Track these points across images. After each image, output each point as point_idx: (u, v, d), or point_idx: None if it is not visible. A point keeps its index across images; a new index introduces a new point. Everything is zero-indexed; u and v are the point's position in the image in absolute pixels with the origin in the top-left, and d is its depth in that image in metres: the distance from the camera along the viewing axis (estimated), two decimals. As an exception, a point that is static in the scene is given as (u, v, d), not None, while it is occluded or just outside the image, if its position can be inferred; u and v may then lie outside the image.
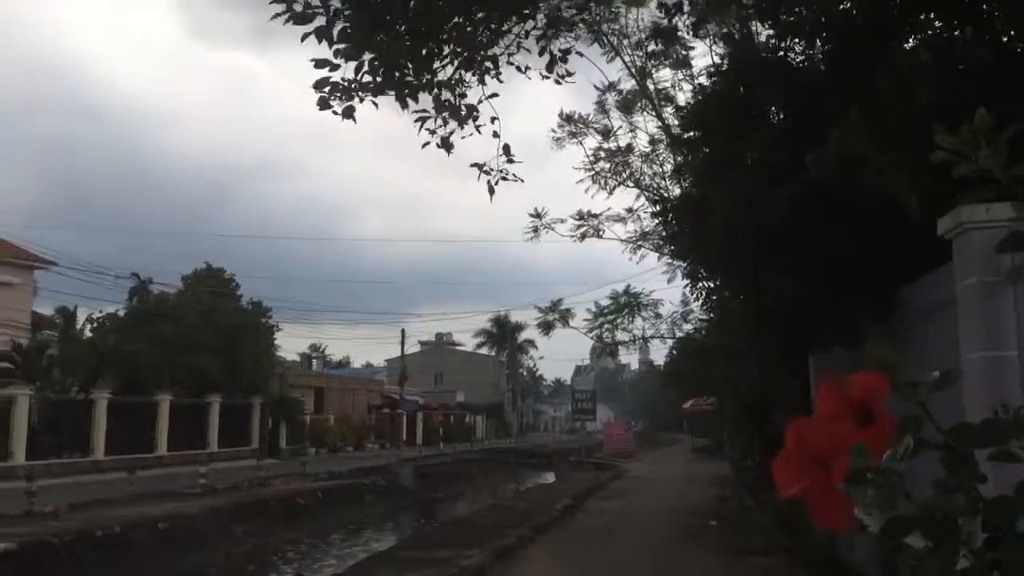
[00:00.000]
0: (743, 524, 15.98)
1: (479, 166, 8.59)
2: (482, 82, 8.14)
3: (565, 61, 8.99)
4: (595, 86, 20.98)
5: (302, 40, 6.86)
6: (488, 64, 8.09)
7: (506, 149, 8.43)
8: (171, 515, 18.43)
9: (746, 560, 12.12)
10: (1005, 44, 7.38)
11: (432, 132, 8.13)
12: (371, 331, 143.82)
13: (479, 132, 8.23)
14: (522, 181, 8.66)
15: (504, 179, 8.55)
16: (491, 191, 8.48)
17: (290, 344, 66.04)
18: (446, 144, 8.23)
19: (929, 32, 8.06)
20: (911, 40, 7.94)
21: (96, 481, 23.83)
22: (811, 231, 7.53)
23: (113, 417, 29.20)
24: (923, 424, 1.02)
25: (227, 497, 22.08)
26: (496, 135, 8.18)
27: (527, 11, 8.12)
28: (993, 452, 1.06)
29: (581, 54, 10.04)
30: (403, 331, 62.05)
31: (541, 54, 8.74)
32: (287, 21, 6.78)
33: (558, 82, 8.81)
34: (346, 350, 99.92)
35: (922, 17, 7.85)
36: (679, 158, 17.13)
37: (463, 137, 8.31)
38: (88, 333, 36.14)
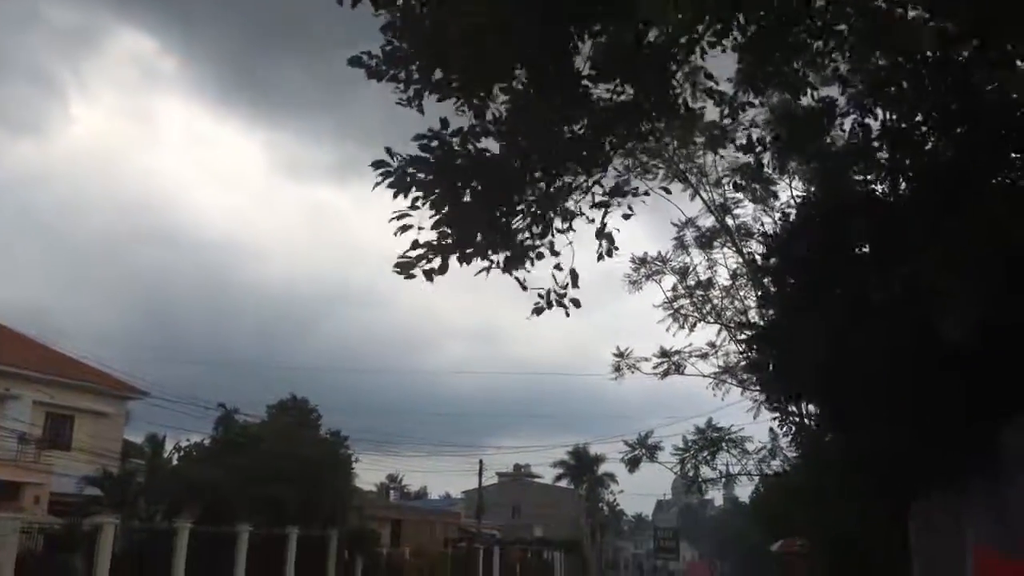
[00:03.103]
0: None
1: (544, 296, 8.46)
2: (553, 232, 8.27)
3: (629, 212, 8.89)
4: (673, 223, 21.28)
5: (395, 197, 7.36)
6: (560, 216, 8.26)
7: (574, 278, 8.32)
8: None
9: None
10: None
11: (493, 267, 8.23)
12: (449, 462, 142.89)
13: (558, 268, 8.26)
14: (567, 313, 8.53)
15: (560, 305, 8.45)
16: (538, 312, 8.41)
17: (368, 475, 65.90)
18: (523, 286, 8.30)
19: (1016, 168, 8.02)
20: (998, 180, 7.90)
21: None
22: (904, 372, 7.33)
23: (193, 547, 29.31)
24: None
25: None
26: (559, 268, 8.22)
27: (604, 161, 8.36)
28: None
29: (645, 193, 9.95)
30: (480, 462, 61.57)
31: (611, 195, 8.64)
32: (386, 187, 7.32)
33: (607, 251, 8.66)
34: (423, 480, 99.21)
35: (1012, 156, 7.82)
36: (762, 291, 17.04)
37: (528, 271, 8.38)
38: (175, 462, 36.84)
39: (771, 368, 12.38)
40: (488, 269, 8.16)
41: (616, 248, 8.43)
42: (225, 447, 35.52)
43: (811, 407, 15.23)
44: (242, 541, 31.82)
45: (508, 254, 8.22)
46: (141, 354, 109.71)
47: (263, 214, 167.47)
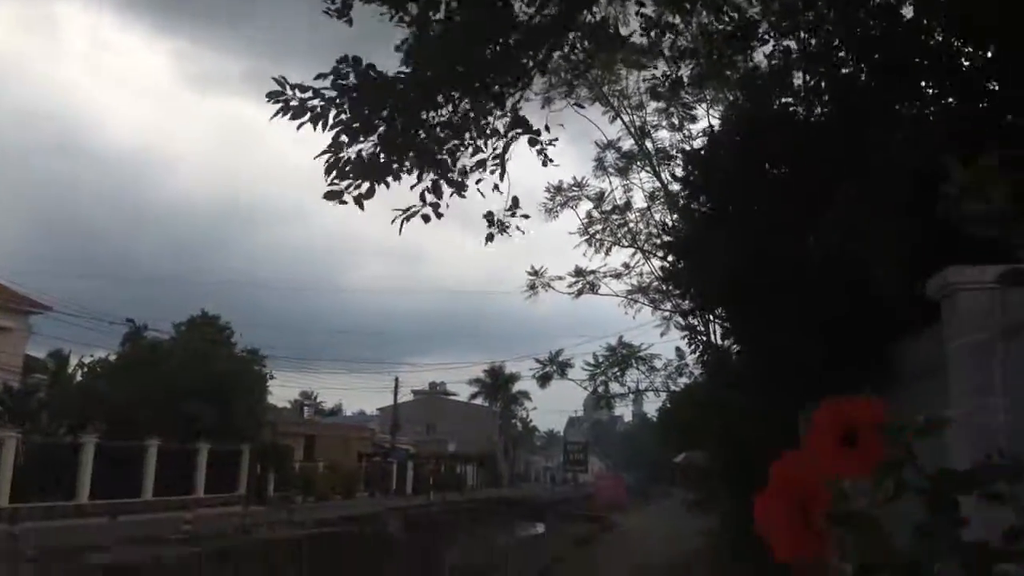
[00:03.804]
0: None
1: (490, 218, 8.64)
2: (480, 149, 8.25)
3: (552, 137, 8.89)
4: (596, 143, 21.35)
5: (298, 129, 7.22)
6: (484, 132, 8.23)
7: (515, 202, 8.49)
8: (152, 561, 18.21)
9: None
10: (997, 108, 7.55)
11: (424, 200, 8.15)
12: (365, 379, 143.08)
13: (480, 193, 8.28)
14: (523, 232, 8.75)
15: (504, 231, 8.62)
16: (490, 238, 8.58)
17: (283, 391, 65.66)
18: (437, 213, 8.21)
19: (925, 98, 8.26)
20: (906, 105, 8.13)
21: (79, 525, 23.55)
22: (810, 291, 7.61)
23: (100, 462, 28.93)
24: (906, 467, 1.06)
25: (210, 544, 21.76)
26: (497, 188, 8.26)
27: (525, 80, 8.31)
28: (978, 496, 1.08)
29: (573, 106, 10.01)
30: (396, 379, 61.90)
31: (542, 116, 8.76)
32: (283, 115, 7.16)
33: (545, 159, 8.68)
34: (339, 398, 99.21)
35: (922, 84, 8.04)
36: (678, 209, 17.37)
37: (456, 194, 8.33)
38: (79, 378, 35.92)
39: (684, 273, 12.66)
40: (419, 214, 8.00)
41: (552, 160, 8.46)
42: (133, 363, 34.79)
43: (716, 325, 15.73)
44: (150, 455, 31.57)
45: (433, 176, 8.16)
46: (44, 267, 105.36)
47: (173, 125, 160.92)
